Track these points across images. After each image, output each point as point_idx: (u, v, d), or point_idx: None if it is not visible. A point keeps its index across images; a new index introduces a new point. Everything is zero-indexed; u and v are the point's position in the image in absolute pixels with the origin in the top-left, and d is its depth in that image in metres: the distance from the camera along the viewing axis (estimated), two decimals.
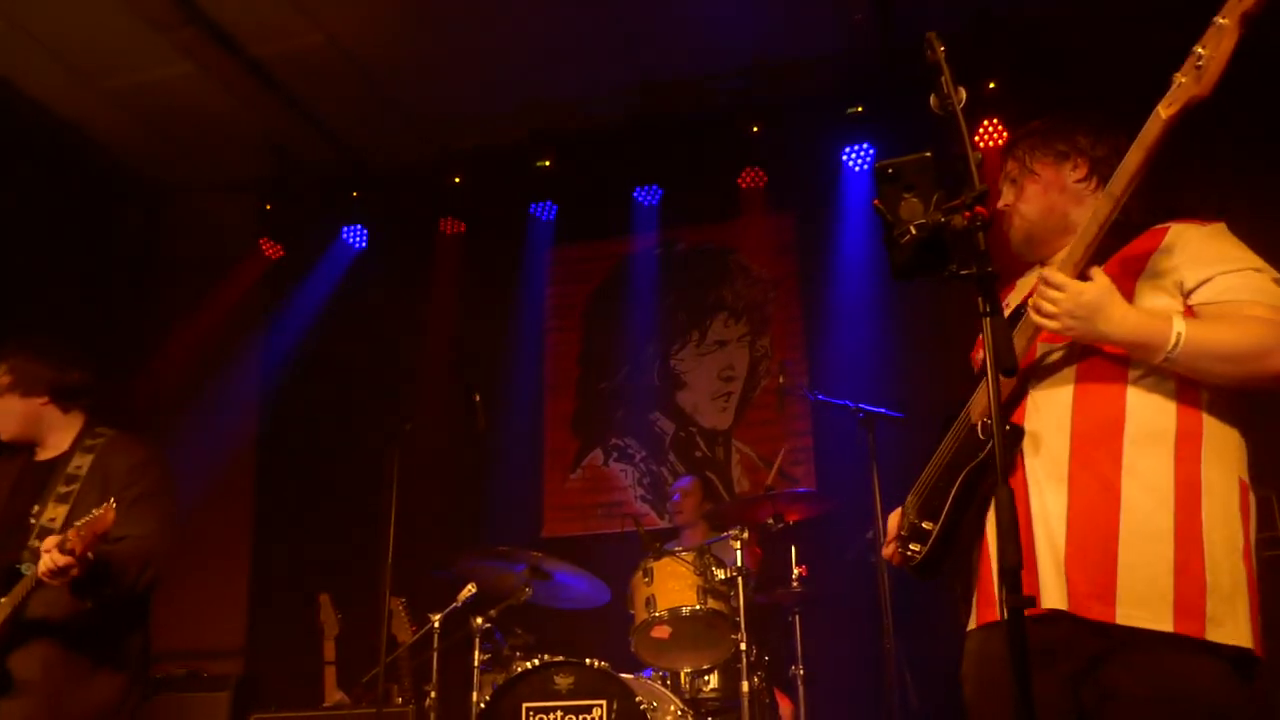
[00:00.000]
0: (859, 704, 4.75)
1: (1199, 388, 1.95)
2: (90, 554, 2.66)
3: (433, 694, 4.50)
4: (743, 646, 3.94)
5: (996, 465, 1.68)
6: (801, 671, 4.32)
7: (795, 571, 4.42)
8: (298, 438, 6.33)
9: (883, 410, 4.35)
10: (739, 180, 6.11)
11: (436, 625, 4.57)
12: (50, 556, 2.66)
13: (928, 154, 1.93)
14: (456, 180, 6.36)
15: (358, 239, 6.60)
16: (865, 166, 5.87)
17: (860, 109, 5.84)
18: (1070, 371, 2.04)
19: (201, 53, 5.70)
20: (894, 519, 2.36)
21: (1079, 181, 2.17)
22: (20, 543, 2.88)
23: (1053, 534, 1.95)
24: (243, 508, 6.46)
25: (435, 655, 4.53)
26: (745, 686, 3.90)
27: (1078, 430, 1.98)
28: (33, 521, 2.91)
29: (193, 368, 6.88)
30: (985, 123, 5.46)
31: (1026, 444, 2.03)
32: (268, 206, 6.65)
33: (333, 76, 5.98)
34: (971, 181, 1.85)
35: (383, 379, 6.00)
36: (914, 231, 1.87)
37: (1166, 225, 2.05)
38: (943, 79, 1.89)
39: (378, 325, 6.36)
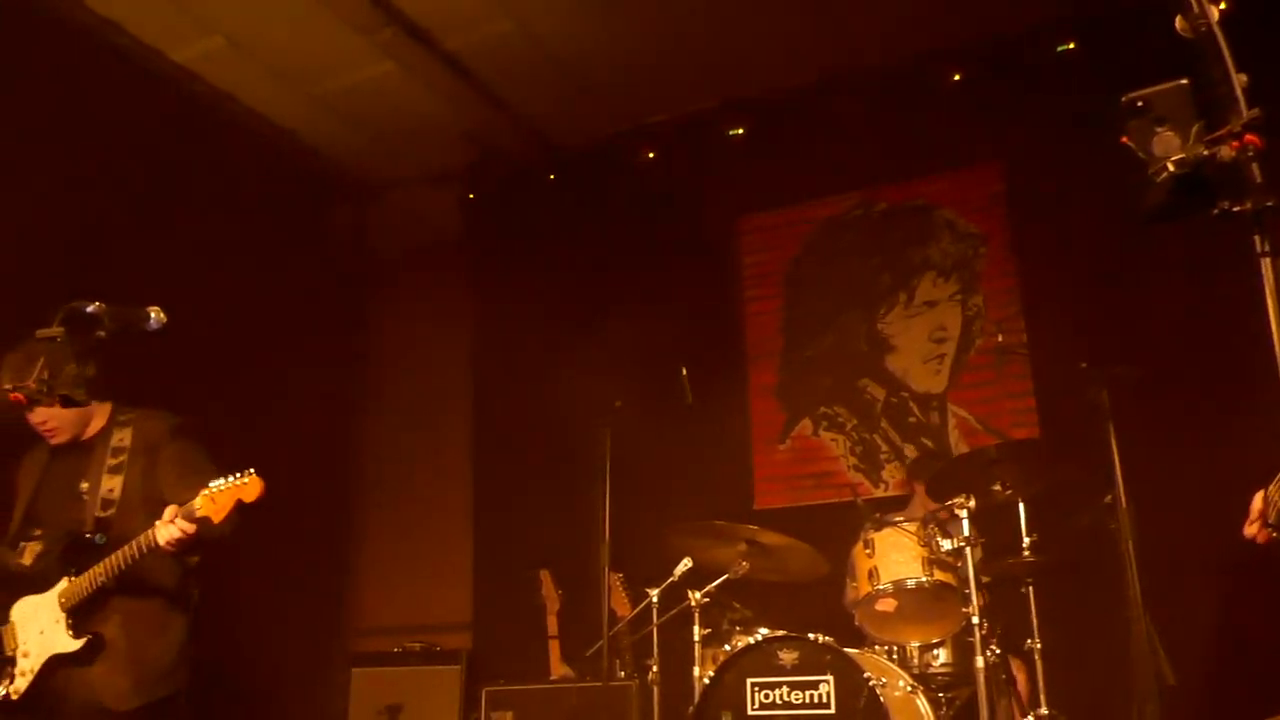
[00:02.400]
0: (1103, 678, 4.46)
1: None
2: (218, 518, 2.77)
3: (654, 668, 4.54)
4: (974, 619, 3.77)
5: None
6: (1038, 645, 4.10)
7: (1026, 539, 4.20)
8: (512, 416, 6.48)
9: (1117, 366, 4.04)
10: (939, 133, 5.83)
11: (655, 600, 4.60)
12: (177, 526, 2.81)
13: (1184, 81, 1.74)
14: (650, 155, 6.35)
15: (558, 220, 6.69)
16: (1079, 106, 5.46)
17: (1072, 45, 5.45)
18: None
19: (401, 50, 5.89)
20: (1257, 500, 2.29)
21: None
22: (78, 515, 3.05)
23: None
24: (461, 486, 6.69)
25: (655, 630, 4.57)
26: (980, 661, 3.73)
27: None
28: (85, 496, 3.07)
29: (406, 351, 7.20)
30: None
31: None
32: (470, 196, 6.85)
33: (523, 61, 6.07)
34: (1238, 107, 1.66)
35: (592, 355, 6.07)
36: (1172, 168, 1.69)
37: None
38: None
39: (587, 300, 6.42)
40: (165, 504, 2.91)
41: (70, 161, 5.53)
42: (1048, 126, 5.45)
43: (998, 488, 4.16)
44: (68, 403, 2.50)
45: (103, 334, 2.74)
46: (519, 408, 6.41)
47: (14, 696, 2.96)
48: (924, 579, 4.02)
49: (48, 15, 5.43)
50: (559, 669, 5.11)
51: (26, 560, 3.04)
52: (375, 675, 5.73)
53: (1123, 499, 3.81)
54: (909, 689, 3.92)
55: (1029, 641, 4.12)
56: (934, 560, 4.05)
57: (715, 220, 6.45)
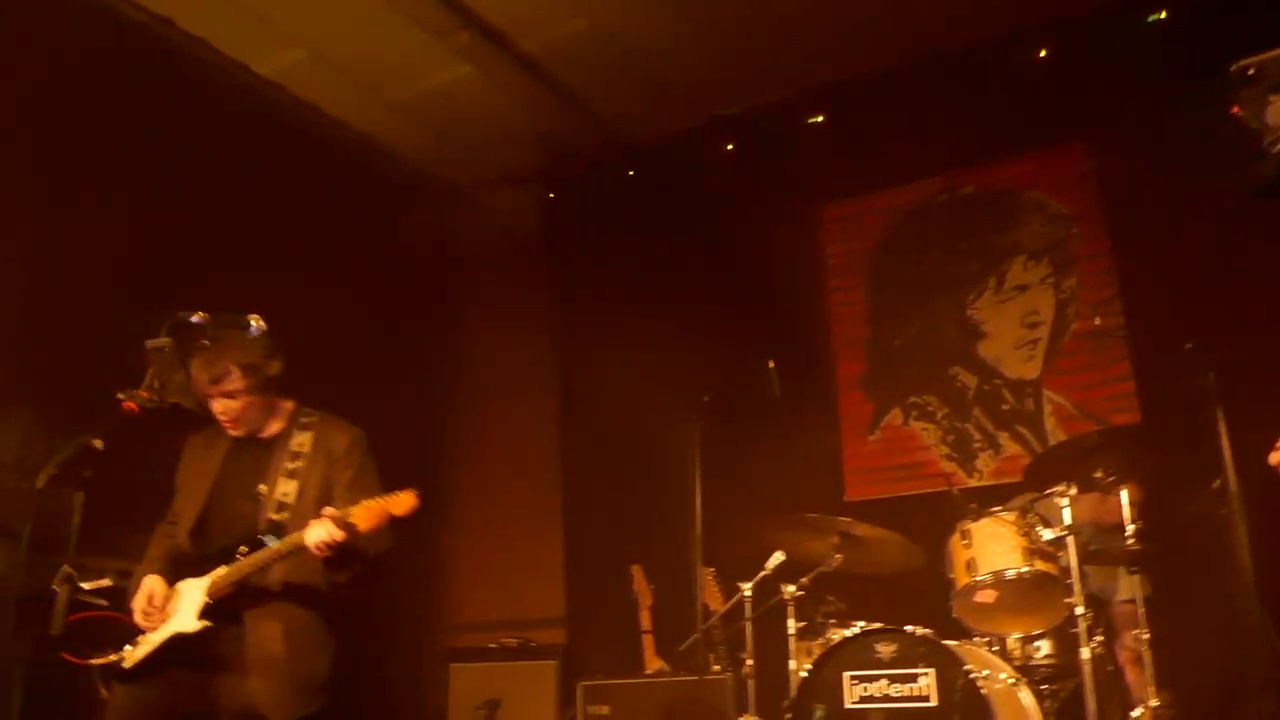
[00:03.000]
0: (1215, 669, 4.32)
1: None
2: (365, 530, 2.78)
3: (749, 662, 4.52)
4: (1078, 610, 3.68)
5: None
6: (1147, 635, 3.97)
7: (1130, 527, 4.07)
8: (598, 413, 6.51)
9: (1224, 347, 3.90)
10: (1026, 112, 5.70)
11: (747, 594, 4.59)
12: (326, 529, 2.80)
13: None
14: (728, 147, 6.32)
15: (637, 216, 6.70)
16: (1172, 77, 5.27)
17: (1164, 14, 5.27)
18: None
19: (476, 54, 5.95)
20: None
21: None
22: (252, 515, 3.07)
23: None
24: (550, 481, 6.74)
25: (748, 624, 4.55)
26: (1085, 653, 3.64)
27: None
28: (262, 497, 3.09)
29: (490, 349, 7.28)
30: None
31: None
32: (549, 195, 6.90)
33: (598, 59, 6.08)
34: None
35: (677, 349, 6.07)
36: None
37: None
38: None
39: (674, 292, 6.41)
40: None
41: (165, 175, 5.72)
42: (1140, 100, 5.29)
43: (1099, 475, 4.04)
44: (177, 409, 2.57)
45: (206, 342, 2.82)
46: (605, 404, 6.43)
47: (125, 664, 2.98)
48: (1024, 569, 3.94)
49: (140, 36, 5.60)
50: (653, 663, 5.12)
51: (194, 548, 3.09)
52: (473, 671, 5.80)
53: (1233, 484, 3.67)
54: (1011, 681, 3.84)
55: (1136, 631, 4.00)
56: (1034, 550, 3.96)
57: (795, 211, 6.40)
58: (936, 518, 4.69)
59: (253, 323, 3.03)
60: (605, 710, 4.92)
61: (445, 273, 7.29)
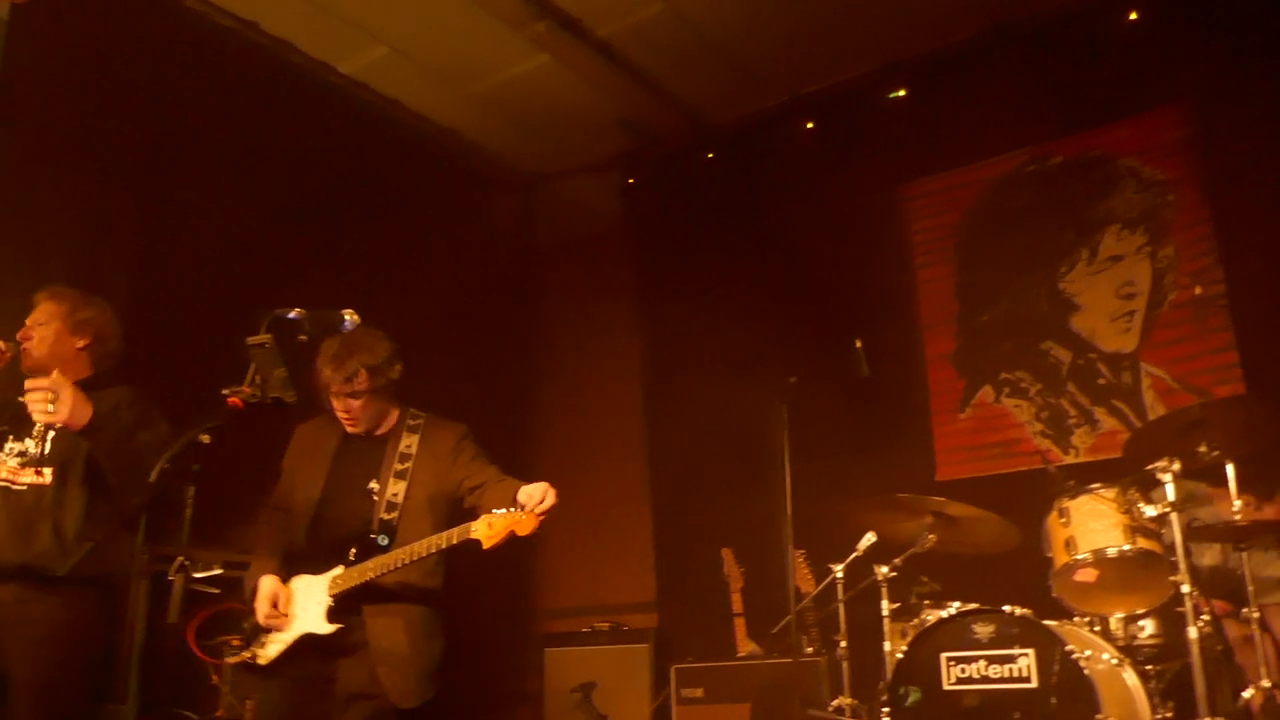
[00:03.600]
0: None
1: None
2: (488, 544, 2.92)
3: (843, 644, 4.50)
4: (1185, 589, 3.58)
5: None
6: (1256, 614, 3.84)
7: (1237, 503, 3.94)
8: (684, 395, 6.52)
9: None
10: (1116, 78, 5.53)
11: (839, 575, 4.56)
12: (445, 540, 3.02)
13: None
14: (809, 126, 6.25)
15: (718, 199, 6.68)
16: (1272, 35, 5.06)
17: None
18: None
19: (554, 43, 5.99)
20: None
21: None
22: (365, 514, 3.21)
23: None
24: (638, 466, 6.78)
25: (841, 605, 4.53)
26: (1192, 632, 3.53)
27: None
28: (375, 497, 3.24)
29: (575, 336, 7.34)
30: None
31: None
32: (630, 181, 6.92)
33: (674, 43, 6.07)
34: None
35: (763, 331, 6.05)
36: None
37: None
38: None
39: (756, 275, 6.40)
40: (451, 509, 3.13)
41: (259, 176, 5.87)
42: (1239, 61, 5.09)
43: (1203, 449, 3.91)
44: (279, 404, 2.66)
45: (304, 338, 2.91)
46: (691, 386, 6.44)
47: (260, 661, 3.16)
48: (1126, 547, 3.84)
49: (228, 41, 5.76)
50: (746, 646, 5.13)
51: (309, 543, 3.26)
52: (567, 655, 5.89)
53: None
54: (1115, 662, 3.76)
55: (1245, 610, 3.87)
56: (1136, 527, 3.86)
57: (879, 188, 6.30)
58: (1032, 496, 4.61)
59: (347, 317, 3.11)
60: (699, 693, 4.95)
61: (530, 261, 7.36)
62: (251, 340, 2.70)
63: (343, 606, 3.08)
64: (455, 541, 2.99)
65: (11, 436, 3.31)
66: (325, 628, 3.08)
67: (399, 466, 3.20)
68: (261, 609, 3.15)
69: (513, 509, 2.93)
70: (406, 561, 3.05)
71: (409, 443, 3.26)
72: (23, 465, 3.27)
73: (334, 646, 3.08)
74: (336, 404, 3.25)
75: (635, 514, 6.65)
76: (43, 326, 3.40)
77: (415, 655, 3.11)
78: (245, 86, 5.82)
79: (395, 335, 6.08)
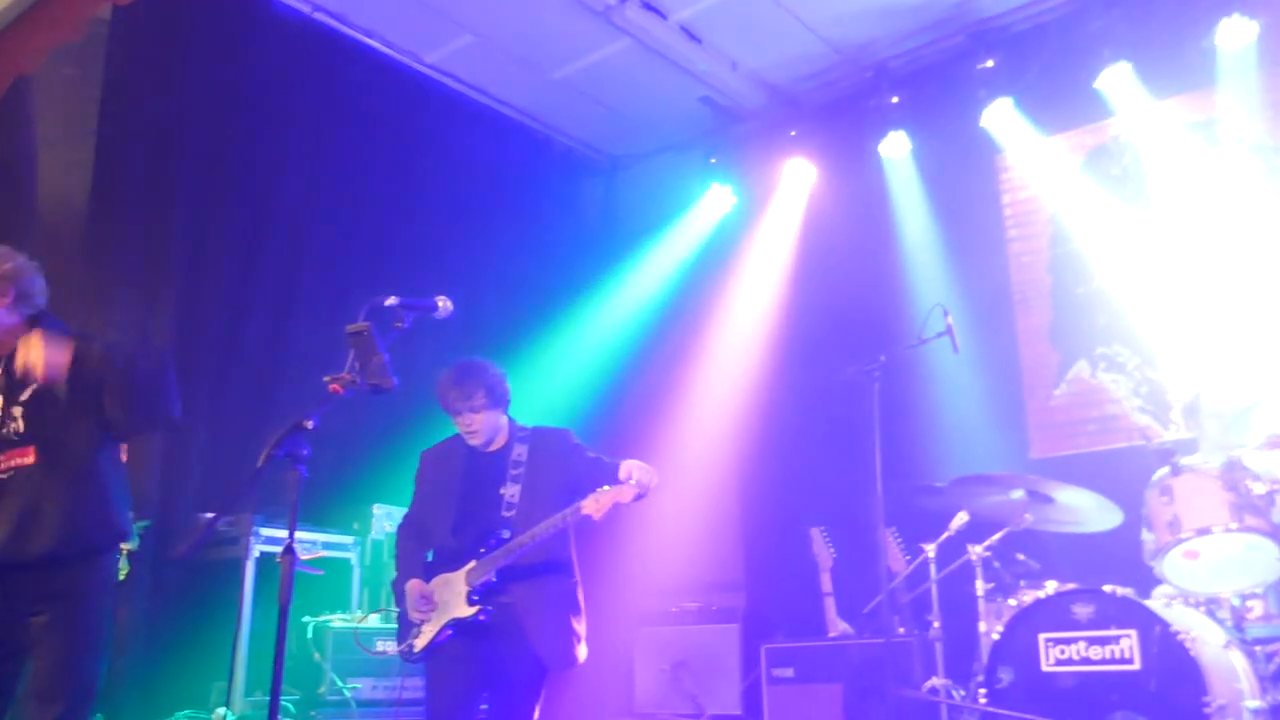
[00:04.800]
0: None
1: None
2: (598, 515, 3.39)
3: (935, 624, 4.46)
4: None
5: None
6: None
7: None
8: (770, 374, 6.49)
9: None
10: (1216, 39, 5.32)
11: (931, 555, 4.52)
12: (557, 521, 3.44)
13: None
14: (894, 100, 6.15)
15: (803, 176, 6.63)
16: None
17: None
18: None
19: (636, 25, 6.00)
20: None
21: None
22: (493, 515, 3.60)
23: None
24: (727, 445, 6.75)
25: (934, 585, 4.49)
26: None
27: None
28: (499, 499, 3.64)
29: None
30: None
31: None
32: (713, 160, 6.91)
33: (755, 19, 6.03)
34: None
35: (853, 307, 6.00)
36: None
37: None
38: None
39: (840, 256, 6.34)
40: (569, 499, 3.49)
41: (348, 168, 6.01)
42: None
43: None
44: (376, 391, 2.72)
45: (401, 325, 2.99)
46: (777, 365, 6.42)
47: (417, 649, 3.59)
48: (1233, 526, 3.73)
49: (315, 34, 5.89)
50: (837, 625, 5.10)
51: (453, 540, 3.65)
52: (658, 634, 5.93)
53: None
54: (1222, 643, 3.66)
55: None
56: (1242, 505, 3.75)
57: (967, 160, 6.18)
58: (1133, 473, 4.50)
59: (440, 304, 3.19)
60: (789, 673, 4.94)
61: (614, 244, 7.37)
62: (350, 328, 2.77)
63: (483, 591, 3.52)
64: (570, 518, 3.43)
65: None
66: (466, 611, 3.52)
67: (514, 472, 3.68)
68: (412, 604, 3.61)
69: (613, 485, 3.40)
70: (528, 543, 3.48)
71: (520, 451, 3.72)
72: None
73: (481, 626, 3.52)
74: (461, 421, 3.67)
75: (724, 493, 6.64)
76: None
77: (562, 620, 3.56)
78: (332, 79, 5.95)
79: (484, 323, 6.23)
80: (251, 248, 5.52)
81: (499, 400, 3.70)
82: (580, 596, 3.69)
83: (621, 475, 3.43)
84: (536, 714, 3.55)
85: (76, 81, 5.33)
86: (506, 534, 3.54)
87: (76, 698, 2.98)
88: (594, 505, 3.37)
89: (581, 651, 3.60)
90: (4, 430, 3.08)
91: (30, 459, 3.06)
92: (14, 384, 3.09)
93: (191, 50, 5.37)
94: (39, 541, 3.00)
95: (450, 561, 3.63)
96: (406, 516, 3.91)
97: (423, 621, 3.60)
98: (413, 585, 3.64)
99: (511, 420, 3.82)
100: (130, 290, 5.00)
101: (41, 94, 5.18)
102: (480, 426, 3.67)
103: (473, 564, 3.56)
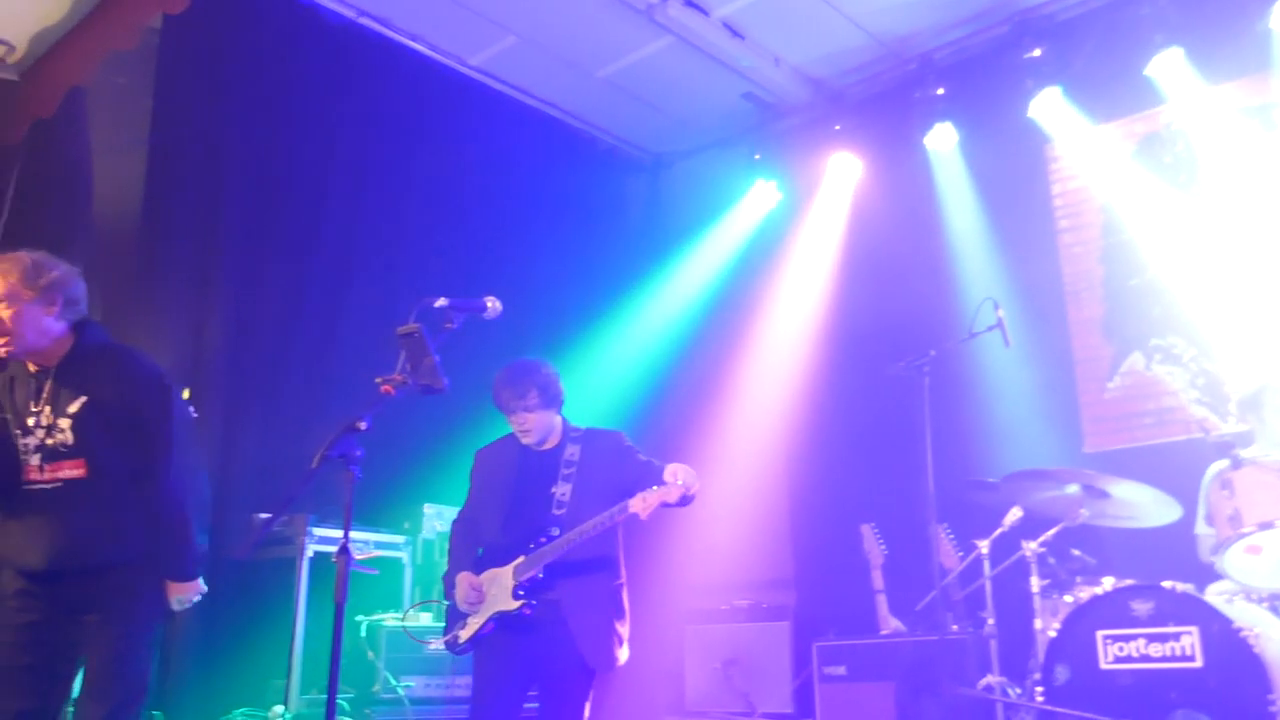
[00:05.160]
0: None
1: None
2: (644, 514, 3.41)
3: (990, 621, 4.40)
4: None
5: None
6: None
7: None
8: (819, 369, 6.46)
9: None
10: (1271, 22, 5.20)
11: (985, 551, 4.46)
12: (605, 519, 3.47)
13: None
14: (939, 92, 6.09)
15: (849, 171, 6.58)
16: None
17: None
18: None
19: (678, 23, 5.99)
20: None
21: None
22: (542, 513, 3.63)
23: None
24: (775, 442, 6.73)
25: (988, 581, 4.43)
26: None
27: None
28: (551, 497, 3.66)
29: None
30: None
31: None
32: (757, 156, 6.88)
33: (797, 14, 6.00)
34: None
35: (901, 301, 5.94)
36: None
37: None
38: None
39: (888, 249, 6.29)
40: (619, 499, 3.50)
41: (395, 170, 6.06)
42: None
43: None
44: (427, 392, 2.74)
45: (450, 325, 3.01)
46: (826, 361, 6.38)
47: (461, 640, 3.63)
48: None
49: (359, 41, 5.95)
50: (889, 623, 5.06)
51: (504, 537, 3.68)
52: (708, 632, 5.92)
53: None
54: None
55: None
56: None
57: (1015, 151, 6.10)
58: (1189, 467, 4.41)
59: (489, 304, 3.22)
60: (841, 670, 4.91)
61: (659, 242, 7.37)
62: (401, 329, 2.80)
63: (529, 586, 3.55)
64: (617, 517, 3.46)
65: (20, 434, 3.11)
66: (511, 605, 3.55)
67: (565, 472, 3.71)
68: (461, 596, 3.66)
69: (660, 486, 3.41)
70: (576, 539, 3.51)
71: (572, 451, 3.76)
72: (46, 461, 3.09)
73: (527, 620, 3.55)
74: (515, 420, 3.71)
75: (773, 490, 6.61)
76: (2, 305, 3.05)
77: (605, 621, 3.59)
78: (378, 83, 6.00)
79: (531, 322, 6.25)
80: (301, 251, 5.58)
81: (552, 400, 3.73)
82: (625, 598, 3.72)
83: (666, 477, 3.45)
84: (587, 712, 3.57)
85: (129, 90, 5.43)
86: (556, 531, 3.58)
87: (128, 695, 3.02)
88: (641, 504, 3.41)
89: (623, 654, 3.63)
90: (51, 441, 3.09)
91: (81, 471, 3.08)
92: (60, 395, 3.11)
93: (240, 57, 5.45)
94: (90, 552, 3.05)
95: (500, 557, 3.67)
96: (460, 513, 3.96)
97: (469, 613, 3.66)
98: (462, 578, 3.69)
99: (565, 420, 3.85)
100: (183, 294, 5.08)
101: (95, 103, 5.29)
102: (533, 425, 3.71)
103: (521, 559, 3.61)
